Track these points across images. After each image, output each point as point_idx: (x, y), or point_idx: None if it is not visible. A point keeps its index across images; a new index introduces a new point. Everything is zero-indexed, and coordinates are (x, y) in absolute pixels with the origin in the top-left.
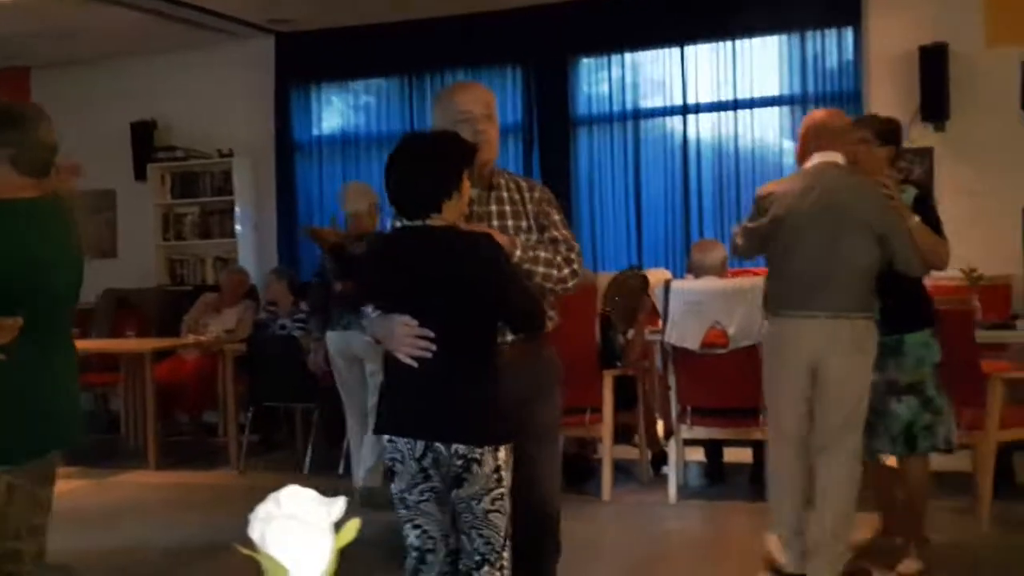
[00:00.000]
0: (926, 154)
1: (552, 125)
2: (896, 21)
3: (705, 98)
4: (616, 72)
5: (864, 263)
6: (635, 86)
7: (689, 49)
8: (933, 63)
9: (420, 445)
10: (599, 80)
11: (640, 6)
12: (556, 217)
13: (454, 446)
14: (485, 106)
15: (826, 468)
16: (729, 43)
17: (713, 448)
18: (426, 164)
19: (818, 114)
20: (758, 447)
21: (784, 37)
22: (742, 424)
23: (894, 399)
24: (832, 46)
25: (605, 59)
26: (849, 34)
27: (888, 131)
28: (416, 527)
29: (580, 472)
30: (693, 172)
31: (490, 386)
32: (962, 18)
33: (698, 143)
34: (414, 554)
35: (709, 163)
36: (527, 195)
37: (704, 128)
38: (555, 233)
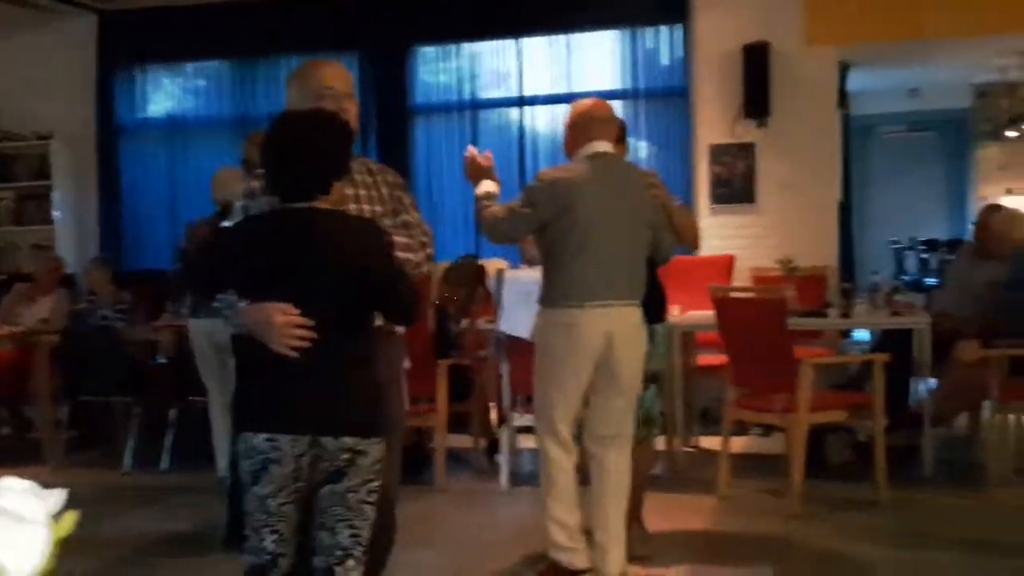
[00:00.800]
0: (748, 149)
1: (390, 114)
2: (721, 20)
3: (541, 90)
4: (454, 62)
5: (646, 252)
6: (473, 77)
7: (525, 41)
8: (755, 61)
9: (304, 441)
10: (438, 70)
11: None
12: (407, 201)
13: (343, 439)
14: (347, 84)
15: (614, 457)
16: (564, 37)
17: None
18: (318, 143)
19: (587, 103)
20: None
21: (616, 32)
22: None
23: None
24: (662, 43)
25: (443, 49)
26: (678, 32)
27: (623, 129)
28: (274, 532)
29: (416, 461)
30: (530, 163)
31: (372, 376)
32: (783, 18)
33: (535, 134)
34: (266, 558)
35: (545, 154)
36: (379, 178)
37: (541, 120)
38: (408, 217)
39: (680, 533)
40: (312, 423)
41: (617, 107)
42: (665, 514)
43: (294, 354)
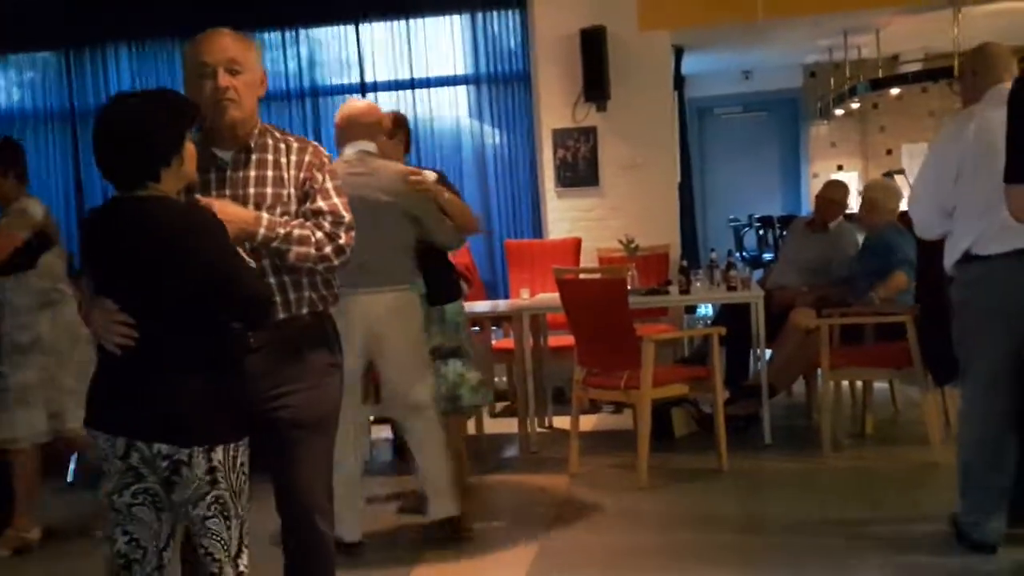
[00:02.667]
0: (590, 133)
1: None
2: (558, 4)
3: (383, 76)
4: (292, 49)
5: (407, 241)
6: (313, 63)
7: (365, 27)
8: (593, 46)
9: (121, 443)
10: (276, 57)
11: None
12: (328, 184)
13: (156, 446)
14: (229, 59)
15: (411, 425)
16: (404, 22)
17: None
18: (137, 127)
19: (355, 107)
20: None
21: (456, 17)
22: None
23: (441, 363)
24: (503, 28)
25: (280, 35)
26: (517, 16)
27: (398, 124)
28: (126, 533)
29: None
30: None
31: (208, 379)
32: (618, 2)
33: None
34: (119, 561)
35: None
36: (294, 158)
37: (384, 106)
38: (321, 203)
39: (530, 511)
40: (123, 426)
41: (462, 92)
42: (517, 493)
43: (117, 351)
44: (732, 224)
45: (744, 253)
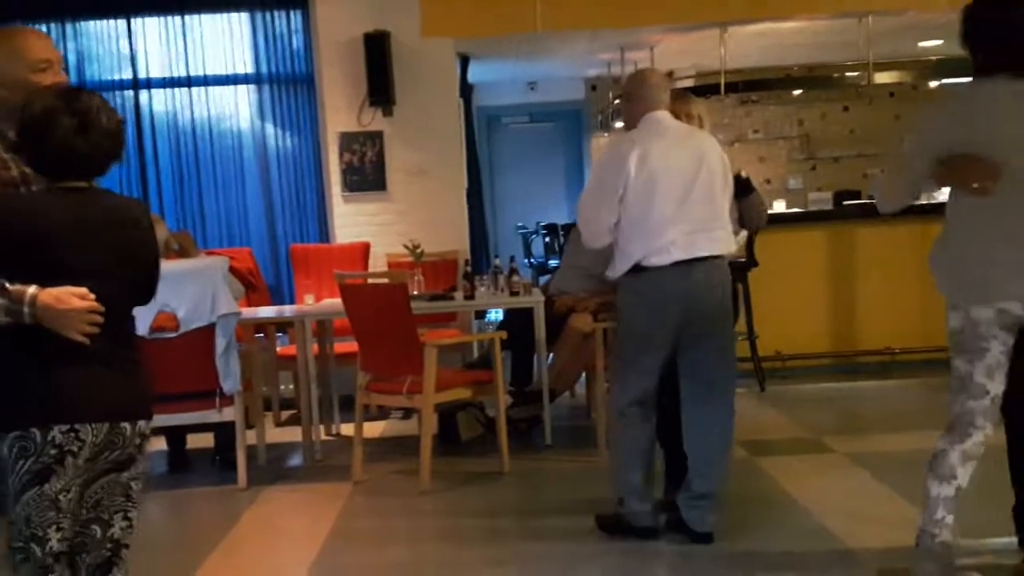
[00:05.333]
0: (377, 137)
1: None
2: (341, 7)
3: (157, 73)
4: (62, 43)
5: None
6: (80, 57)
7: (136, 21)
8: (376, 50)
9: (104, 428)
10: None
11: None
12: None
13: (139, 423)
14: (57, 57)
15: None
16: (179, 17)
17: (175, 435)
18: (112, 120)
19: None
20: (221, 429)
21: (236, 15)
22: (201, 408)
23: None
24: (285, 28)
25: (48, 27)
26: (299, 17)
27: None
28: (59, 530)
29: None
30: (148, 147)
31: (144, 358)
32: (401, 8)
33: (152, 118)
34: (50, 561)
35: (165, 139)
36: None
37: (158, 103)
38: None
39: (310, 518)
40: (116, 409)
41: (243, 92)
42: (298, 505)
43: (86, 340)
44: (521, 231)
45: (532, 260)
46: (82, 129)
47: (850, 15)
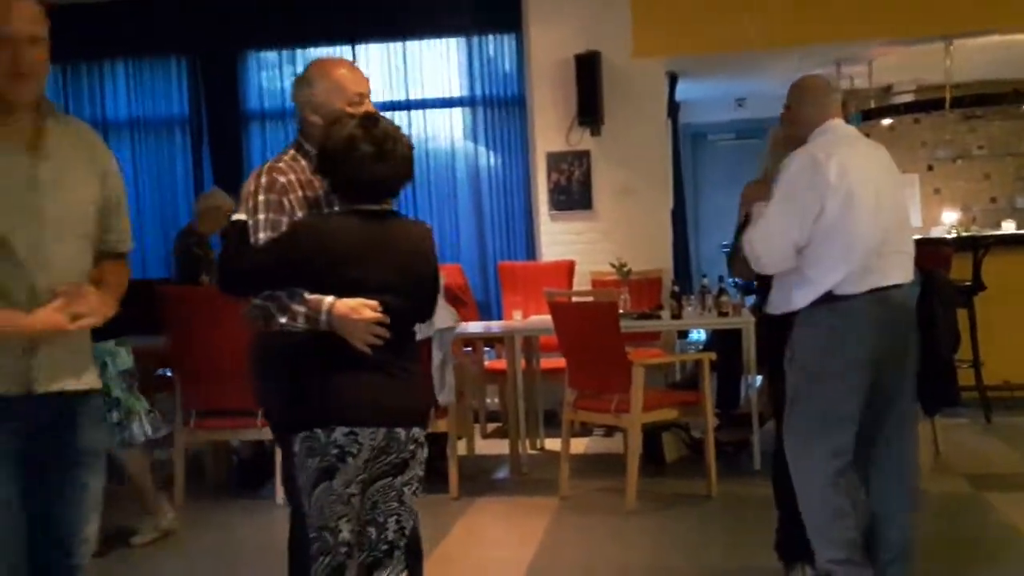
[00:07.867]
0: (584, 156)
1: (222, 119)
2: (553, 30)
3: (378, 97)
4: (288, 68)
5: None
6: None
7: (360, 48)
8: (587, 71)
9: (382, 433)
10: (272, 76)
11: (311, 3)
12: None
13: (413, 430)
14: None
15: None
16: (400, 43)
17: None
18: (405, 146)
19: None
20: (434, 440)
21: (452, 40)
22: None
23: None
24: (497, 51)
25: (277, 55)
26: (512, 40)
27: None
28: (349, 521)
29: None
30: None
31: (423, 370)
32: (612, 29)
33: None
34: (343, 551)
35: None
36: None
37: None
38: None
39: (519, 532)
40: (392, 415)
41: (457, 114)
42: (506, 516)
43: (368, 351)
44: (725, 250)
45: (737, 279)
46: (379, 156)
47: None
